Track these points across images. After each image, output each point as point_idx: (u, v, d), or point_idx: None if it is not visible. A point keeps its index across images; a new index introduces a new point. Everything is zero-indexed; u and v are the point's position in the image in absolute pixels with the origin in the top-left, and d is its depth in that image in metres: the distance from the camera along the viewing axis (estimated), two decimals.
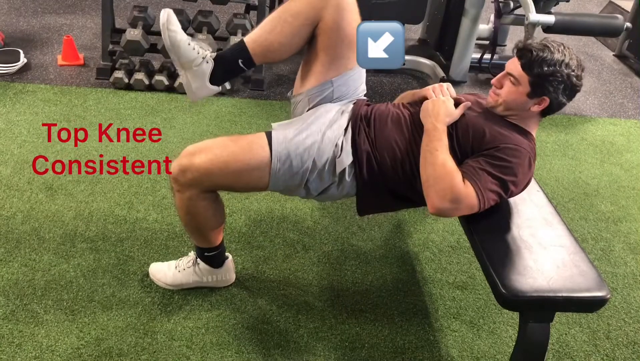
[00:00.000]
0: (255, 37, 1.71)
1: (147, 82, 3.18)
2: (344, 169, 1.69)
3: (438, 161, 1.57)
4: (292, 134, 1.68)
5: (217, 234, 1.85)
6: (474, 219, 1.64)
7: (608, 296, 1.47)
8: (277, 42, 1.70)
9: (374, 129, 1.73)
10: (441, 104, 1.68)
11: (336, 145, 1.69)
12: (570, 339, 1.94)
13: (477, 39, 3.77)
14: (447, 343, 1.89)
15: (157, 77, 3.18)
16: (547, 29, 3.36)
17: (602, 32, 3.60)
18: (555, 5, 3.82)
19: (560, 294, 1.46)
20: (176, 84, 3.20)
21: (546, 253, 1.59)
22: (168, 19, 1.64)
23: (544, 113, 1.69)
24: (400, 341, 1.87)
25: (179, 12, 3.28)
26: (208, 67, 1.70)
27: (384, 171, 1.70)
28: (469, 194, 1.54)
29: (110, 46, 3.29)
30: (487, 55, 3.87)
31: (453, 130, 1.67)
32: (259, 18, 3.31)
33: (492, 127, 1.64)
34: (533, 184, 1.91)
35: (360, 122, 1.74)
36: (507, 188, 1.59)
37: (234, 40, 3.21)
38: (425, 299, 2.05)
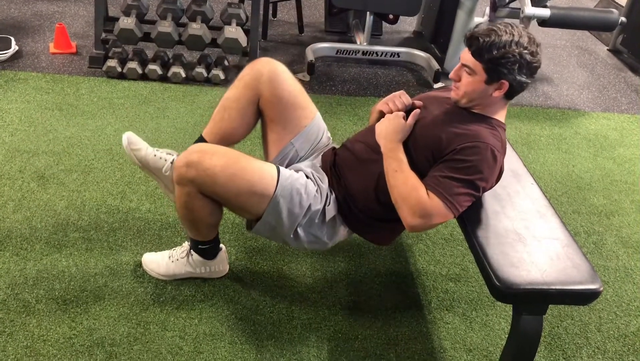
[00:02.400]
0: (209, 130, 1.88)
1: (140, 71, 3.16)
2: (334, 217, 1.77)
3: (399, 181, 1.61)
4: (296, 175, 1.72)
5: (212, 230, 1.85)
6: (468, 212, 1.64)
7: (601, 289, 1.48)
8: (230, 127, 1.86)
9: (342, 176, 1.80)
10: (389, 124, 1.71)
11: (327, 195, 1.77)
12: (562, 331, 1.95)
13: None
14: (439, 334, 1.89)
15: (151, 67, 3.16)
16: (543, 22, 3.37)
17: (597, 26, 3.61)
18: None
19: (553, 287, 1.47)
20: (170, 73, 3.18)
21: (540, 245, 1.59)
22: (129, 141, 1.82)
23: (508, 96, 1.66)
24: (393, 333, 1.87)
25: (171, 1, 3.25)
26: None
27: (365, 210, 1.78)
28: (435, 206, 1.56)
29: (103, 35, 3.25)
30: None
31: (410, 143, 1.69)
32: (253, 7, 3.29)
33: (447, 130, 1.64)
34: (527, 177, 1.91)
35: (331, 173, 1.83)
36: (476, 187, 1.59)
37: (229, 30, 3.19)
38: (419, 291, 2.06)
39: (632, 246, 2.40)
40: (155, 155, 1.84)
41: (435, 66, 3.57)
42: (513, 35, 1.56)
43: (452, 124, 1.65)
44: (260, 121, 1.91)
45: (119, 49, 3.24)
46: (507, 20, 3.81)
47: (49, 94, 2.94)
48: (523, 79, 1.61)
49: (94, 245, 2.04)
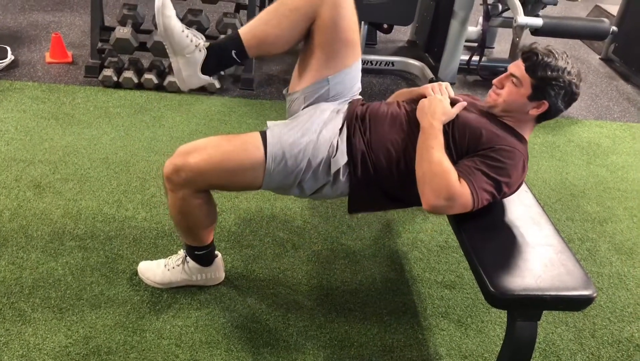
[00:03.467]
0: (250, 29, 1.71)
1: (136, 80, 3.17)
2: (339, 169, 1.69)
3: (434, 158, 1.58)
4: (287, 134, 1.68)
5: (208, 233, 1.85)
6: (462, 218, 1.66)
7: (594, 295, 1.49)
8: (273, 34, 1.71)
9: (369, 129, 1.74)
10: (438, 103, 1.70)
11: (331, 145, 1.70)
12: (556, 338, 1.96)
13: (466, 41, 3.80)
14: (435, 341, 1.90)
15: (147, 76, 3.17)
16: (535, 31, 3.40)
17: (588, 35, 3.65)
18: (542, 9, 3.85)
19: (548, 293, 1.48)
20: (165, 82, 3.20)
21: (534, 252, 1.60)
22: (163, 3, 1.62)
23: (540, 118, 1.71)
24: (389, 340, 1.88)
25: None
26: (200, 55, 1.69)
27: (378, 171, 1.71)
28: (464, 193, 1.55)
29: (99, 44, 3.27)
30: (476, 57, 3.90)
31: (449, 129, 1.68)
32: (249, 17, 3.31)
33: (488, 128, 1.66)
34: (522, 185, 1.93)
35: (355, 122, 1.75)
36: (500, 189, 1.60)
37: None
38: (414, 298, 2.06)
39: (625, 252, 2.42)
40: (183, 31, 1.67)
41: (430, 74, 3.60)
42: (568, 63, 1.64)
43: (492, 125, 1.68)
44: (303, 43, 1.79)
45: (115, 59, 3.26)
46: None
47: (45, 103, 2.95)
48: (561, 106, 1.67)
49: (90, 254, 2.04)
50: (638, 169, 3.09)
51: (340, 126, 1.74)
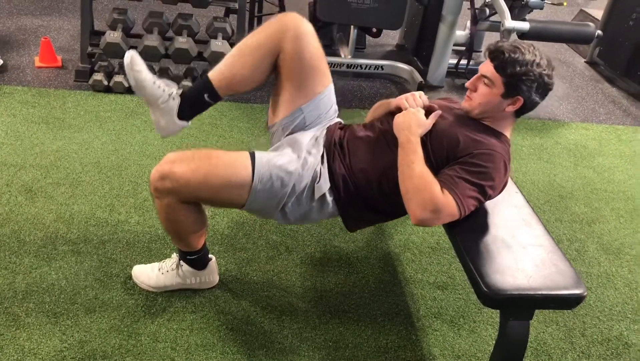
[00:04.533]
0: (218, 72, 1.76)
1: (126, 84, 3.16)
2: (324, 194, 1.73)
3: (415, 173, 1.61)
4: (275, 158, 1.71)
5: (198, 238, 1.86)
6: (456, 223, 1.67)
7: (585, 293, 1.52)
8: (240, 74, 1.75)
9: (348, 154, 1.78)
10: (412, 116, 1.72)
11: (315, 171, 1.74)
12: (547, 337, 1.99)
13: (454, 44, 3.84)
14: (428, 342, 1.92)
15: None
16: (522, 35, 3.45)
17: (574, 39, 3.71)
18: (529, 13, 3.91)
19: (539, 292, 1.51)
20: None
21: (525, 252, 1.63)
22: (132, 60, 1.68)
23: (518, 113, 1.73)
24: (383, 341, 1.90)
25: (158, 15, 3.28)
26: (175, 103, 1.74)
27: (362, 193, 1.76)
28: (448, 204, 1.58)
29: (89, 48, 3.26)
30: (464, 61, 3.94)
31: (427, 140, 1.71)
32: (239, 21, 3.33)
33: (465, 134, 1.68)
34: (511, 186, 1.96)
35: (334, 148, 1.79)
36: (485, 193, 1.63)
37: (215, 43, 3.22)
38: (407, 299, 2.08)
39: (612, 252, 2.46)
40: (154, 83, 1.72)
41: (418, 78, 3.63)
42: (535, 55, 1.65)
43: (469, 130, 1.70)
44: (274, 77, 1.84)
45: (105, 63, 3.25)
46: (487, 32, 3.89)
47: (35, 107, 2.94)
48: (537, 99, 1.69)
49: (83, 258, 2.04)
50: (624, 170, 3.14)
51: (321, 152, 1.78)
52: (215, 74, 1.76)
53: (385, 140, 1.77)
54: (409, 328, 1.96)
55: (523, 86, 1.65)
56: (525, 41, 1.71)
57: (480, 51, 4.52)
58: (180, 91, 1.77)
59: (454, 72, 3.97)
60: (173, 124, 1.77)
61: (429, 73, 3.83)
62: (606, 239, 2.54)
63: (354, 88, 3.69)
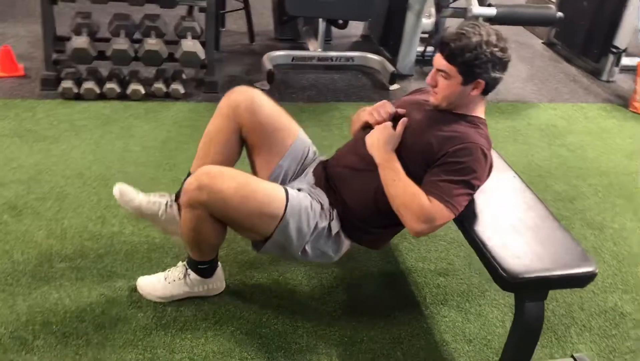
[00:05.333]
0: (197, 166, 1.86)
1: (97, 90, 3.08)
2: (338, 231, 1.79)
3: (399, 190, 1.66)
4: (302, 197, 1.75)
5: (214, 250, 1.85)
6: (465, 214, 1.71)
7: (596, 270, 1.59)
8: (217, 160, 1.84)
9: (338, 191, 1.82)
10: (380, 135, 1.75)
11: (329, 211, 1.80)
12: (550, 314, 2.06)
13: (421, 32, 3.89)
14: (439, 328, 1.96)
15: (108, 85, 3.08)
16: (489, 20, 3.52)
17: (538, 22, 3.83)
18: None
19: (555, 273, 1.56)
20: (129, 91, 3.12)
21: (535, 234, 1.68)
22: (121, 194, 1.88)
23: (485, 92, 1.73)
24: (396, 332, 1.92)
25: (124, 17, 3.19)
26: (174, 209, 1.90)
27: (366, 221, 1.82)
28: (438, 210, 1.61)
29: (54, 55, 3.14)
30: (430, 48, 4.00)
31: (402, 151, 1.73)
32: (208, 19, 3.26)
33: (436, 134, 1.69)
34: (508, 171, 2.02)
35: (327, 190, 1.84)
36: (472, 185, 1.66)
37: (186, 43, 3.16)
38: (412, 288, 2.12)
39: (597, 227, 2.56)
40: (148, 202, 1.89)
41: (391, 68, 3.66)
42: (482, 35, 1.62)
43: (439, 128, 1.71)
44: (245, 148, 1.93)
45: (72, 69, 3.14)
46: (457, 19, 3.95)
47: (4, 120, 2.82)
48: (497, 75, 1.67)
49: (83, 274, 1.98)
50: (595, 147, 3.27)
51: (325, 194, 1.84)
52: (195, 168, 1.87)
53: (365, 164, 1.79)
54: (419, 317, 1.99)
55: (478, 69, 1.63)
56: (469, 22, 1.68)
57: None
58: (173, 197, 1.93)
59: (421, 60, 4.02)
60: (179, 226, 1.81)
61: (398, 62, 3.87)
62: (589, 215, 2.65)
63: (326, 81, 3.69)
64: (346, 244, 1.86)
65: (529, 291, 1.59)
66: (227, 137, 1.87)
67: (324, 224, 1.76)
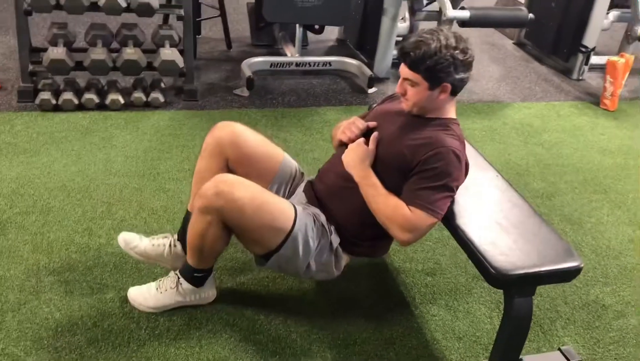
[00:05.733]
0: (193, 205, 1.85)
1: (76, 101, 3.05)
2: (337, 246, 1.84)
3: (380, 205, 1.72)
4: (307, 212, 1.80)
5: (215, 259, 1.87)
6: (451, 213, 1.76)
7: (582, 265, 1.64)
8: None
9: (329, 209, 1.87)
10: (354, 153, 1.81)
11: (328, 226, 1.83)
12: (535, 309, 2.10)
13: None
14: (430, 327, 2.00)
15: (87, 96, 3.06)
16: (463, 23, 3.59)
17: (510, 23, 3.91)
18: (462, 1, 4.07)
19: (543, 269, 1.61)
20: (107, 101, 3.09)
21: (521, 232, 1.73)
22: (126, 242, 1.94)
23: (453, 93, 1.76)
24: (387, 332, 1.95)
25: (100, 27, 3.17)
26: (177, 249, 1.96)
27: (358, 235, 1.86)
28: (420, 218, 1.67)
29: (30, 66, 3.10)
30: None
31: (377, 166, 1.78)
32: (186, 27, 3.25)
33: (407, 144, 1.73)
34: (491, 170, 2.06)
35: (320, 208, 1.88)
36: (450, 188, 1.70)
37: (164, 52, 3.15)
38: (401, 288, 2.15)
39: (575, 222, 2.64)
40: (153, 245, 1.95)
41: (368, 72, 3.70)
42: (440, 40, 1.65)
43: (410, 137, 1.75)
44: None
45: (49, 81, 3.11)
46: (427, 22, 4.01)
47: None
48: (462, 75, 1.71)
49: (72, 287, 1.97)
50: (569, 144, 3.35)
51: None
52: (191, 206, 1.90)
53: (346, 182, 1.83)
54: (409, 317, 2.03)
55: (442, 73, 1.67)
56: (428, 29, 1.72)
57: None
58: (176, 236, 1.99)
59: (397, 63, 4.05)
60: None
61: (375, 66, 3.91)
62: (567, 211, 2.72)
63: (305, 86, 3.71)
64: (345, 259, 1.90)
65: (518, 287, 1.64)
66: (217, 173, 1.84)
67: (325, 239, 1.81)
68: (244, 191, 1.66)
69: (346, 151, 1.84)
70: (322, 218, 1.84)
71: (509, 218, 1.79)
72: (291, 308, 2.00)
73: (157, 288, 1.91)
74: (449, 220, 1.77)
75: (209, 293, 1.96)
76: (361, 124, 1.89)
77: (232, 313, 1.95)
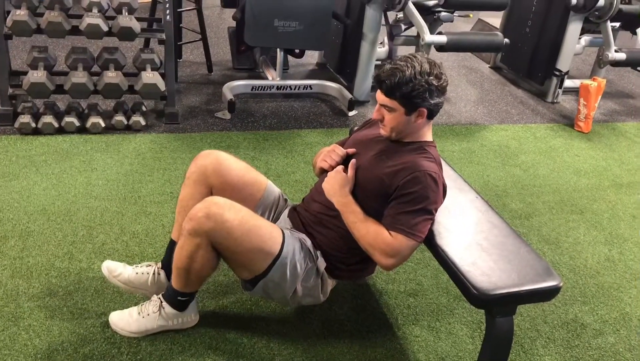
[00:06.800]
0: (177, 233, 1.91)
1: (56, 125, 3.03)
2: (323, 271, 1.86)
3: (362, 231, 1.75)
4: (294, 237, 1.82)
5: (201, 283, 1.85)
6: (434, 236, 1.78)
7: (561, 284, 1.67)
8: None
9: (314, 236, 1.89)
10: (333, 181, 1.84)
11: (314, 253, 1.86)
12: (516, 328, 2.13)
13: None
14: (413, 348, 2.01)
15: (67, 119, 3.04)
16: (441, 48, 3.67)
17: (487, 48, 4.00)
18: (440, 26, 4.17)
19: (523, 288, 1.63)
20: (88, 124, 3.09)
21: (501, 252, 1.76)
22: (109, 270, 1.95)
23: (429, 117, 1.80)
24: (371, 354, 1.95)
25: (81, 51, 3.17)
26: (161, 277, 1.97)
27: (340, 260, 1.89)
28: (401, 243, 1.70)
29: (10, 90, 3.09)
30: None
31: (357, 191, 1.82)
32: (167, 51, 3.27)
33: (385, 171, 1.77)
34: (470, 192, 2.10)
35: (305, 233, 1.90)
36: (428, 211, 1.73)
37: (146, 75, 3.16)
38: (384, 310, 2.16)
39: (553, 242, 2.68)
40: (137, 273, 1.95)
41: (348, 95, 3.75)
42: (414, 67, 1.69)
43: (388, 163, 1.79)
44: None
45: (29, 104, 3.09)
46: (404, 47, 4.09)
47: None
48: (437, 100, 1.75)
49: (52, 312, 1.94)
50: (545, 165, 3.42)
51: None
52: (175, 235, 1.94)
53: (328, 210, 1.87)
54: (392, 338, 2.04)
55: (417, 99, 1.71)
56: (402, 56, 1.76)
57: None
58: (159, 264, 1.99)
59: (375, 87, 4.12)
60: None
61: (355, 89, 3.96)
62: (545, 231, 2.77)
63: (286, 109, 3.75)
64: (331, 283, 1.92)
65: (499, 307, 1.66)
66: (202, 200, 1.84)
67: (311, 263, 1.83)
68: (235, 213, 1.66)
69: (326, 178, 1.88)
70: (309, 242, 1.86)
71: (489, 239, 1.82)
72: (274, 330, 2.00)
73: (139, 313, 1.89)
74: (431, 241, 1.79)
75: (191, 317, 1.95)
76: (340, 151, 1.93)
77: (214, 336, 1.94)
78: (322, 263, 1.85)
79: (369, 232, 1.73)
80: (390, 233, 1.70)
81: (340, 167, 1.87)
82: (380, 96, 1.76)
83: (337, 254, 1.87)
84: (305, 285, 1.83)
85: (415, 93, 1.70)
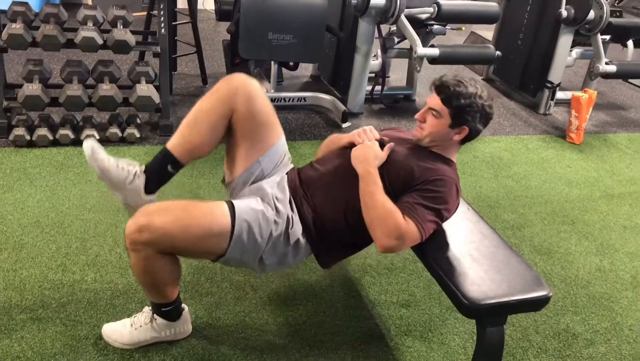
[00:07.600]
0: (176, 142, 1.82)
1: (51, 137, 3.05)
2: (298, 238, 1.81)
3: (378, 203, 1.72)
4: (251, 206, 1.75)
5: (173, 289, 1.84)
6: (426, 246, 1.79)
7: (550, 294, 1.69)
8: (198, 141, 1.82)
9: (310, 196, 1.87)
10: (369, 149, 1.83)
11: (288, 218, 1.80)
12: (507, 339, 2.15)
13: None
14: (405, 359, 2.01)
15: (62, 132, 3.06)
16: (433, 60, 3.70)
17: (478, 60, 4.04)
18: (432, 39, 4.21)
19: (513, 298, 1.65)
20: (82, 136, 3.10)
21: (492, 262, 1.78)
22: (92, 149, 1.73)
23: (464, 141, 1.89)
24: None
25: (76, 64, 3.19)
26: (140, 181, 1.79)
27: (332, 230, 1.85)
28: (411, 229, 1.69)
29: (5, 102, 3.10)
30: (378, 87, 4.15)
31: (384, 171, 1.81)
32: (162, 64, 3.31)
33: (418, 163, 1.81)
34: (463, 203, 2.11)
35: (298, 193, 1.87)
36: (442, 216, 1.76)
37: (140, 88, 3.18)
38: (377, 321, 2.17)
39: (545, 253, 2.70)
40: (117, 166, 1.77)
41: (342, 107, 3.78)
42: (477, 88, 1.80)
43: (421, 160, 1.82)
44: (227, 136, 1.90)
45: (24, 117, 3.10)
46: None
47: None
48: (480, 127, 1.84)
49: (45, 324, 1.94)
50: (538, 176, 3.45)
51: (288, 198, 1.86)
52: (175, 144, 1.82)
53: (340, 174, 1.86)
54: (385, 349, 2.04)
55: (468, 116, 1.80)
56: (467, 77, 1.84)
57: (389, 77, 4.79)
58: (143, 167, 1.82)
59: (369, 99, 4.17)
60: (141, 200, 1.79)
61: (349, 101, 3.99)
62: (537, 241, 2.79)
63: (281, 121, 3.70)
64: (306, 251, 1.86)
65: (490, 317, 1.67)
66: (217, 120, 1.81)
67: (278, 232, 1.77)
68: (164, 215, 1.62)
69: (359, 145, 1.85)
70: (284, 208, 1.81)
71: (480, 250, 1.84)
72: (267, 342, 2.00)
73: (131, 324, 1.90)
74: (423, 252, 1.81)
75: (184, 328, 1.95)
76: (376, 133, 1.92)
77: (207, 348, 1.94)
78: (296, 232, 1.80)
79: (384, 206, 1.69)
80: (404, 217, 1.69)
81: (375, 142, 1.86)
82: (434, 100, 1.80)
83: (330, 222, 1.83)
84: (272, 255, 1.78)
85: (469, 110, 1.78)
